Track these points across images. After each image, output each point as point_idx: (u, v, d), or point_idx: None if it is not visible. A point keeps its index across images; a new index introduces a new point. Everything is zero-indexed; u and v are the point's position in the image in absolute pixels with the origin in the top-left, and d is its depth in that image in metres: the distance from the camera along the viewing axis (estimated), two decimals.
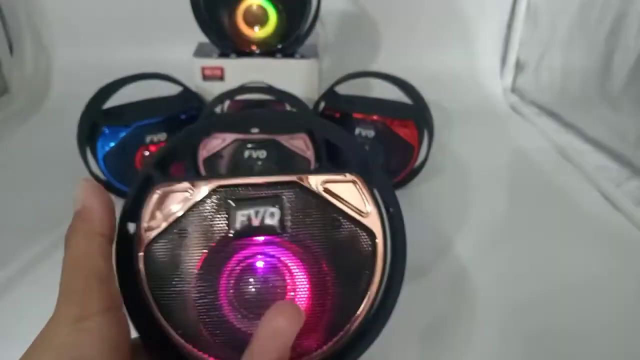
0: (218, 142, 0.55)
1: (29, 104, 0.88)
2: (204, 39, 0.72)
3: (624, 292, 0.50)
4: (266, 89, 0.62)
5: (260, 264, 0.23)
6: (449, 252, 0.54)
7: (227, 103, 0.65)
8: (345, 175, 0.23)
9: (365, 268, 0.23)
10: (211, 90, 0.71)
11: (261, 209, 0.22)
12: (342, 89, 0.65)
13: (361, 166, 0.24)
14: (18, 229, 0.56)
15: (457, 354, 0.43)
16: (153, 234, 0.22)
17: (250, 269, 0.23)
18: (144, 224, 0.22)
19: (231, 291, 0.22)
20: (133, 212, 0.23)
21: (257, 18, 0.71)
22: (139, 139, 0.57)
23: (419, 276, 0.50)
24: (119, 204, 0.23)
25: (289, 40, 0.73)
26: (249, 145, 0.54)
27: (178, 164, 0.56)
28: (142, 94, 0.60)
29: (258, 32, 0.72)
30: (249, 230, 0.22)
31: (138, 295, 0.22)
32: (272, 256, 0.23)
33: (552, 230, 0.58)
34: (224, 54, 0.74)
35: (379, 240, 0.23)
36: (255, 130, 0.55)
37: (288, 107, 0.60)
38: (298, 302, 0.22)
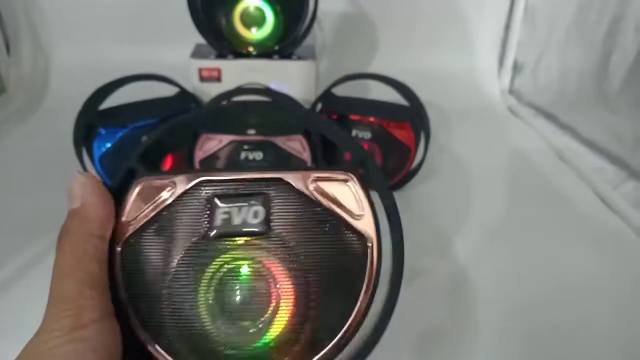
0: (214, 144, 0.55)
1: (26, 103, 0.87)
2: (201, 40, 0.72)
3: (620, 292, 0.50)
4: (263, 90, 0.62)
5: (243, 269, 0.21)
6: (446, 253, 0.54)
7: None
8: (338, 173, 0.21)
9: (356, 276, 0.21)
10: (208, 91, 0.71)
11: (244, 207, 0.21)
12: (339, 91, 0.65)
13: (356, 164, 0.22)
14: (15, 229, 0.55)
15: (456, 356, 0.43)
16: (132, 228, 0.21)
17: (232, 274, 0.21)
18: (123, 218, 0.21)
19: (209, 295, 0.21)
20: (115, 205, 0.22)
21: (254, 19, 0.71)
22: (136, 140, 0.57)
23: (417, 278, 0.50)
24: None
25: (286, 42, 0.72)
26: (245, 147, 0.55)
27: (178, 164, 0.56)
28: (139, 95, 0.60)
29: (255, 34, 0.72)
30: (231, 229, 0.21)
31: (114, 293, 0.21)
32: (255, 260, 0.21)
33: (549, 232, 0.58)
34: (221, 55, 0.73)
35: (373, 245, 0.21)
36: (251, 131, 0.55)
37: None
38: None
